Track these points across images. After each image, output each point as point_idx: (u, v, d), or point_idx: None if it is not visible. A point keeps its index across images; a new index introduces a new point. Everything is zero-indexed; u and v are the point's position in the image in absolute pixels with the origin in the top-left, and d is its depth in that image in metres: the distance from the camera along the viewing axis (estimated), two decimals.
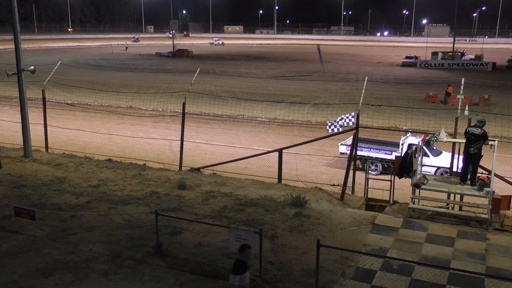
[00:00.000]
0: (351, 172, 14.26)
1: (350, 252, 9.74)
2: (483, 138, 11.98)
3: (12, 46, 18.19)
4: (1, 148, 18.67)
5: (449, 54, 63.55)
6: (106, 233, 10.93)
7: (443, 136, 12.67)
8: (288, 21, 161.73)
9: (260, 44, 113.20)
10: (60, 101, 28.40)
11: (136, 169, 16.11)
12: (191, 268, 9.46)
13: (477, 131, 12.02)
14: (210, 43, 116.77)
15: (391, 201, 13.86)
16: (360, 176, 14.80)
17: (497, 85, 38.63)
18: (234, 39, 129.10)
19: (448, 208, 12.96)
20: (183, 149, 16.80)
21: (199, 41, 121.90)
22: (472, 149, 12.05)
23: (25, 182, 14.40)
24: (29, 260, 9.74)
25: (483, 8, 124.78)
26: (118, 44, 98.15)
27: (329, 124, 15.37)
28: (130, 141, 22.89)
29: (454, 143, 13.52)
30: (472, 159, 12.20)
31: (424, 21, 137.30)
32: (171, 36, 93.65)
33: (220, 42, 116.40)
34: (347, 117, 14.63)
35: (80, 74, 45.02)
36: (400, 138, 19.36)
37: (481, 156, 12.24)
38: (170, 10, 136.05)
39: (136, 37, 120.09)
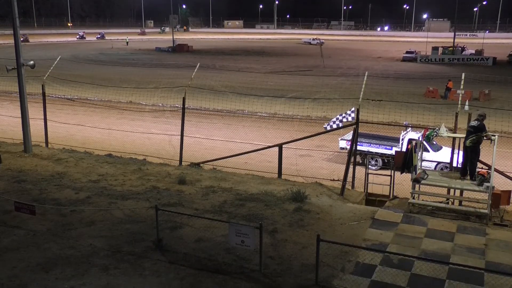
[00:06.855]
0: (351, 167, 14.27)
1: (350, 247, 9.78)
2: (479, 130, 11.94)
3: (11, 40, 18.16)
4: (1, 143, 18.66)
5: (450, 49, 63.44)
6: (107, 228, 10.95)
7: (443, 131, 12.67)
8: (288, 16, 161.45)
9: (260, 39, 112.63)
10: (60, 96, 28.40)
11: (136, 164, 16.12)
12: (191, 263, 9.48)
13: (475, 123, 12.03)
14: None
15: (391, 196, 13.87)
16: (360, 171, 14.80)
17: (497, 80, 38.54)
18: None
19: (448, 203, 12.97)
20: (183, 144, 16.79)
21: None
22: (468, 141, 12.04)
23: (25, 177, 14.41)
24: (29, 254, 9.76)
25: (484, 3, 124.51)
26: (118, 39, 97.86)
27: (327, 125, 15.40)
28: (130, 136, 22.87)
29: (454, 138, 13.52)
30: (469, 151, 12.18)
31: (425, 16, 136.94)
32: (161, 31, 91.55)
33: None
34: (348, 114, 14.61)
35: (80, 69, 44.98)
36: (400, 133, 19.38)
37: (479, 150, 12.22)
38: (170, 5, 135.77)
39: (143, 30, 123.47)
